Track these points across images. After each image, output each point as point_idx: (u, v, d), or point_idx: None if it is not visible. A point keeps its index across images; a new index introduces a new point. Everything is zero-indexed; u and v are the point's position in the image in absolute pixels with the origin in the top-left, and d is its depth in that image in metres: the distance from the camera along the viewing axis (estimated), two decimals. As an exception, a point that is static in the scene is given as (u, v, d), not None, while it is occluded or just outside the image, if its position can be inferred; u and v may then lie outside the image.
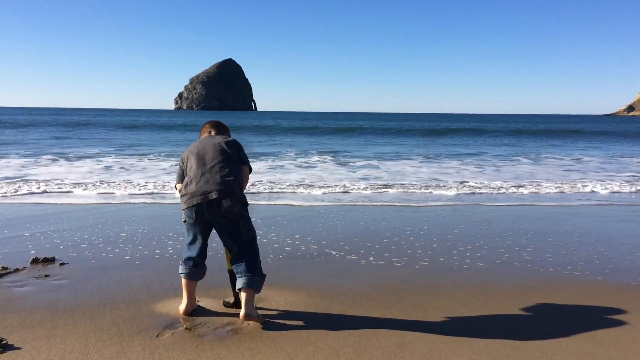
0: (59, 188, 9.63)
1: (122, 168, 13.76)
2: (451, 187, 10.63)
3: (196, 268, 3.53)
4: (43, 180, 10.58)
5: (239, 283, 3.38)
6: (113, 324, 3.36)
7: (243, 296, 3.36)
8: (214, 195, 3.32)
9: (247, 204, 3.51)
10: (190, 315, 3.51)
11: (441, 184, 11.02)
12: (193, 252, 3.51)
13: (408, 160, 17.67)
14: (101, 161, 15.53)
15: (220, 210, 3.33)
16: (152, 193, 9.30)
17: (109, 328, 3.29)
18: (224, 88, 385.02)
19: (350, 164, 15.96)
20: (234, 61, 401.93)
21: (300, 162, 16.36)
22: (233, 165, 3.47)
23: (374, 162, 16.56)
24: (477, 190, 10.23)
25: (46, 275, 4.38)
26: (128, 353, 2.94)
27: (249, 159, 3.71)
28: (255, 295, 3.44)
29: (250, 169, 3.67)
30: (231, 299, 3.71)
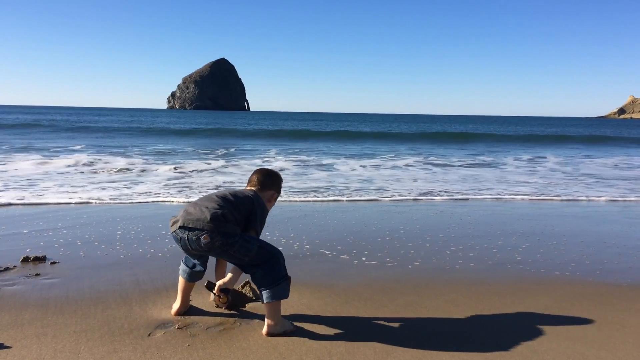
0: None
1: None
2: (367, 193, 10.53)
3: (194, 269, 3.45)
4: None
5: (263, 297, 3.17)
6: (104, 323, 3.34)
7: (266, 310, 3.20)
8: (193, 224, 3.09)
9: (232, 233, 3.11)
10: (182, 315, 3.50)
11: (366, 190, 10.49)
12: (189, 256, 3.45)
13: (371, 162, 17.36)
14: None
15: (201, 247, 3.12)
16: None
17: (100, 327, 3.28)
18: (217, 88, 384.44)
19: (307, 165, 15.78)
20: (227, 61, 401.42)
21: (257, 162, 16.40)
22: (232, 206, 3.19)
23: (337, 162, 16.86)
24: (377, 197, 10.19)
25: (37, 274, 4.35)
26: (119, 352, 2.93)
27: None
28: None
29: (259, 234, 3.33)
30: (222, 304, 3.63)
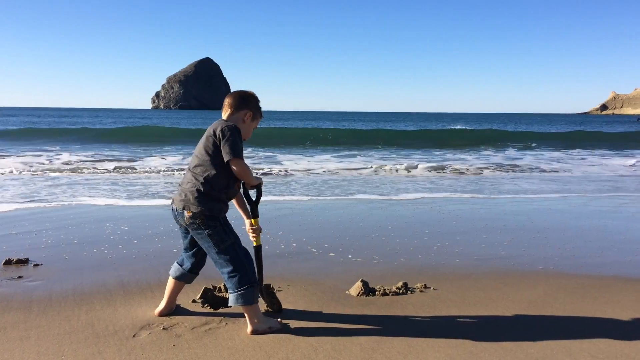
0: None
1: None
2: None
3: (180, 266, 3.43)
4: None
5: (229, 301, 3.20)
6: (88, 325, 3.31)
7: (244, 312, 3.22)
8: (177, 205, 3.19)
9: (214, 216, 3.14)
10: (167, 315, 3.48)
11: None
12: (182, 249, 3.44)
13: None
14: None
15: (185, 221, 3.17)
16: None
17: (84, 329, 3.25)
18: (202, 87, 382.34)
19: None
20: (211, 60, 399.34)
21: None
22: (202, 168, 3.14)
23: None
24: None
25: (19, 277, 4.30)
26: (104, 354, 2.90)
27: None
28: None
29: (238, 161, 3.10)
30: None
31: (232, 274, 3.15)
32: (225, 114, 3.37)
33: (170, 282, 3.48)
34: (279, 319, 3.36)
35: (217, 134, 3.12)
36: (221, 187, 3.16)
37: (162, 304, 3.51)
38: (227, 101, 3.37)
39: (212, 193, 3.14)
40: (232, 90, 3.51)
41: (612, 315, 3.63)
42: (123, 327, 3.28)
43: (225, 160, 3.10)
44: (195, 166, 3.19)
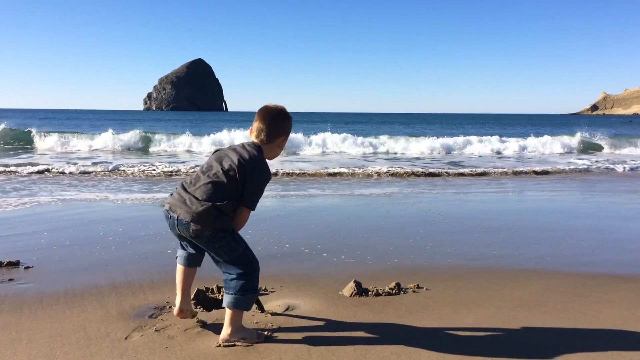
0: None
1: None
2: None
3: (189, 251, 3.19)
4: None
5: (224, 300, 3.00)
6: (80, 327, 3.29)
7: (227, 316, 3.01)
8: (182, 215, 2.89)
9: (225, 230, 2.92)
10: (184, 313, 3.28)
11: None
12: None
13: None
14: None
15: (189, 233, 2.91)
16: None
17: (76, 331, 3.22)
18: (194, 88, 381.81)
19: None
20: (203, 61, 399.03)
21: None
22: (219, 189, 2.90)
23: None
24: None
25: (10, 279, 4.26)
26: (95, 356, 2.88)
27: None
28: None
29: (248, 213, 3.00)
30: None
31: (239, 278, 2.97)
32: (257, 138, 3.11)
33: (181, 272, 3.24)
34: (266, 332, 3.21)
35: (247, 170, 2.92)
36: (232, 210, 2.97)
37: (178, 301, 3.27)
38: (261, 126, 3.07)
39: (224, 213, 2.93)
40: (264, 107, 3.15)
41: (603, 313, 3.65)
42: (115, 329, 3.27)
43: (242, 202, 2.96)
44: (213, 182, 2.93)
